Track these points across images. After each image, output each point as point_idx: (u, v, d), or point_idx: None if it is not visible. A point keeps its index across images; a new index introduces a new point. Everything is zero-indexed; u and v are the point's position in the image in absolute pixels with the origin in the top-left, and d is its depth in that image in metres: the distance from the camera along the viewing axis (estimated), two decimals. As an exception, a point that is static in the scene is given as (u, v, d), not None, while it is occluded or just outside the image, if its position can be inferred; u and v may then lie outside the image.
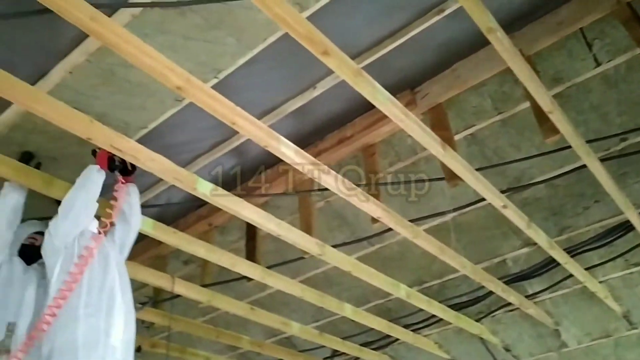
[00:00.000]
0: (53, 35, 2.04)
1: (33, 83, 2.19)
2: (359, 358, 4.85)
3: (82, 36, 2.04)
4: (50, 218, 2.40)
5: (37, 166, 2.63)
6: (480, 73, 2.74)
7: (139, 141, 2.54)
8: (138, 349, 3.95)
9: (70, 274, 2.23)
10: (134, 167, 2.58)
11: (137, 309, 3.49)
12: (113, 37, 1.80)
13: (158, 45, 2.07)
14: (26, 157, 2.62)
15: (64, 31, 2.01)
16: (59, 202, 2.58)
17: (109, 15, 1.94)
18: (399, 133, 3.14)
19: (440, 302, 3.93)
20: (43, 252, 2.38)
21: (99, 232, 2.43)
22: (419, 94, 2.93)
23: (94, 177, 2.40)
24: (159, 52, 1.92)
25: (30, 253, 2.52)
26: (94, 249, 2.33)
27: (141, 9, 1.95)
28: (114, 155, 2.39)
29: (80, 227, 2.37)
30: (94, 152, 2.51)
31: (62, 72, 2.17)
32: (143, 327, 4.04)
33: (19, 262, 2.48)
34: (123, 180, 2.57)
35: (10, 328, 1.78)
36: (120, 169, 2.56)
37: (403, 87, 2.94)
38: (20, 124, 2.39)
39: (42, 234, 2.48)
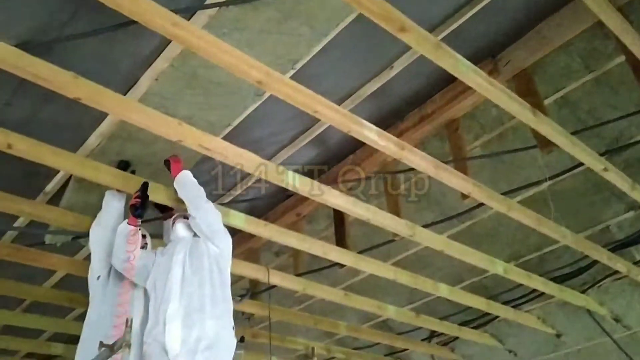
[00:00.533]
0: (138, 46, 2.13)
1: (124, 93, 2.30)
2: (458, 338, 4.78)
3: (164, 43, 2.12)
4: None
5: (133, 173, 2.77)
6: (567, 31, 2.58)
7: (224, 139, 2.63)
8: (241, 340, 4.09)
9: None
10: None
11: (236, 301, 3.63)
12: (195, 40, 1.85)
13: (236, 42, 2.12)
14: (122, 165, 2.77)
15: (148, 40, 2.10)
16: (156, 205, 2.73)
17: (188, 19, 2.00)
18: (482, 105, 3.04)
19: (540, 275, 3.77)
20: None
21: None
22: (501, 62, 2.81)
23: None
24: (237, 49, 1.96)
25: None
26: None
27: (217, 9, 1.98)
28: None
29: None
30: (166, 163, 2.60)
31: (149, 79, 2.27)
32: (244, 318, 4.19)
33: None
34: None
35: (129, 324, 1.90)
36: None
37: (483, 57, 2.83)
38: (116, 134, 2.52)
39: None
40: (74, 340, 4.64)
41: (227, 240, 2.55)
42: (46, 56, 1.93)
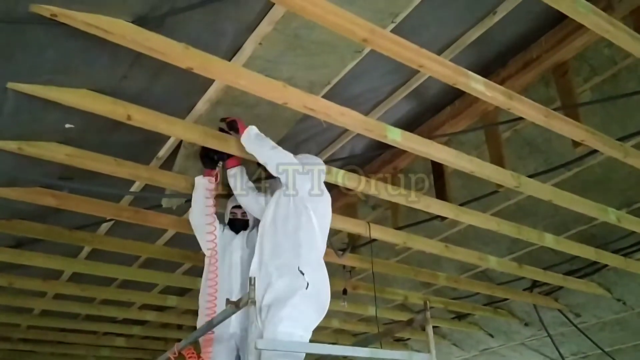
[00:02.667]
0: (243, 12, 2.15)
1: (230, 59, 2.35)
2: (562, 287, 4.66)
3: (268, 7, 2.13)
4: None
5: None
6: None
7: (325, 97, 2.64)
8: (344, 292, 4.22)
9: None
10: None
11: (339, 256, 3.73)
12: (299, 2, 1.85)
13: (337, 0, 2.10)
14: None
15: (252, 5, 2.11)
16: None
17: (291, -19, 1.98)
18: (593, 45, 2.84)
19: (656, 221, 3.56)
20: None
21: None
22: (616, -3, 2.59)
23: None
24: (338, 7, 1.94)
25: (234, 224, 2.93)
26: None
27: (319, -32, 1.95)
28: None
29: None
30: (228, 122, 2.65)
31: (253, 44, 2.29)
32: (345, 271, 4.29)
33: (228, 232, 2.90)
34: None
35: (253, 282, 2.00)
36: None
37: (596, -8, 2.62)
38: (222, 99, 2.59)
39: (239, 207, 2.88)
40: (184, 292, 5.02)
41: (303, 180, 2.58)
42: (159, 30, 2.01)
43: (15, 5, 1.81)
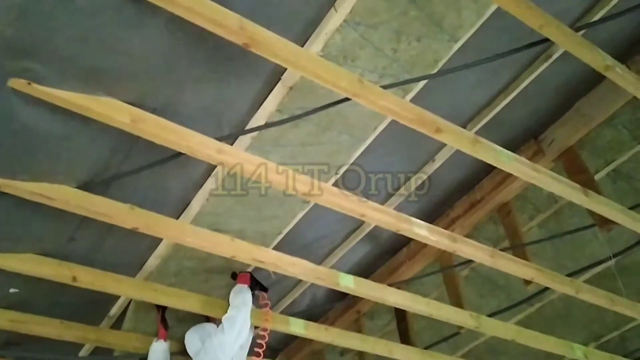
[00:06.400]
0: (188, 172, 2.24)
1: (178, 216, 2.40)
2: None
3: (212, 166, 2.23)
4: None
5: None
6: (608, 107, 2.55)
7: (276, 247, 2.68)
8: None
9: None
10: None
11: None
12: (239, 162, 1.94)
13: (279, 157, 2.21)
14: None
15: (196, 166, 2.21)
16: (207, 318, 2.79)
17: (232, 144, 2.11)
18: (532, 185, 2.98)
19: (624, 356, 3.50)
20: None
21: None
22: (545, 142, 2.78)
23: (247, 296, 2.63)
24: (280, 164, 2.04)
25: None
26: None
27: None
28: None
29: (242, 342, 2.55)
30: (233, 275, 2.77)
31: (201, 200, 2.36)
32: None
33: None
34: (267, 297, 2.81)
35: None
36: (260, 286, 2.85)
37: (526, 138, 2.82)
38: (173, 254, 2.60)
39: None
40: None
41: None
42: (105, 193, 2.07)
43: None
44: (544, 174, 2.17)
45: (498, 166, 2.09)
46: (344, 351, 4.23)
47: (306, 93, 2.02)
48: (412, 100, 2.09)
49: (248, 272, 2.80)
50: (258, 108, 2.06)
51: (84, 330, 2.65)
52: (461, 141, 1.96)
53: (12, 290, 2.42)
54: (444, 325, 3.51)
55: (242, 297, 2.65)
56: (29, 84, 1.61)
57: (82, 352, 3.07)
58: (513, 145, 2.16)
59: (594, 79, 2.50)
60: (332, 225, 3.02)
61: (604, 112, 2.55)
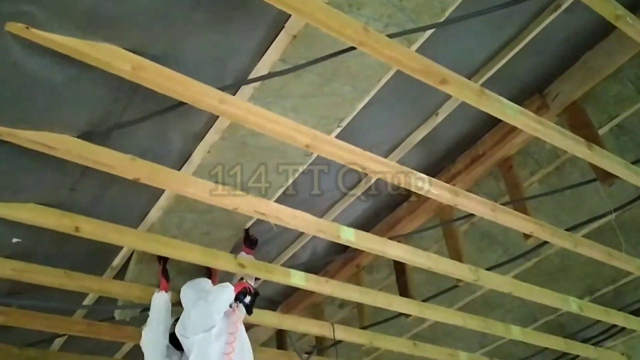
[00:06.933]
0: (189, 123, 2.22)
1: (179, 168, 2.39)
2: (537, 381, 4.54)
3: (214, 118, 2.20)
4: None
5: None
6: (614, 60, 2.51)
7: (278, 200, 2.68)
8: (312, 397, 4.03)
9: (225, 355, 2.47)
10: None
11: (304, 359, 3.60)
12: (241, 113, 1.92)
13: (281, 109, 2.19)
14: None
15: (198, 117, 2.18)
16: (208, 270, 2.90)
17: (234, 94, 2.08)
18: (534, 140, 2.97)
19: (619, 309, 3.57)
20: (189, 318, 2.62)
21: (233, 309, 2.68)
22: (549, 96, 2.75)
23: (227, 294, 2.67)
24: (283, 116, 2.02)
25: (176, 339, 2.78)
26: (238, 326, 2.61)
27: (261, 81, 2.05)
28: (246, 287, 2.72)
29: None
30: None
31: (202, 152, 2.35)
32: (314, 376, 4.12)
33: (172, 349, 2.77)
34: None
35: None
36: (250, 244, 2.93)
37: (530, 92, 2.79)
38: (174, 207, 2.60)
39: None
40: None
41: None
42: (106, 143, 2.05)
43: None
44: (549, 127, 2.15)
45: (503, 119, 2.07)
46: (343, 304, 4.31)
47: (310, 42, 1.98)
48: (417, 51, 2.05)
49: (245, 284, 2.77)
50: (261, 58, 2.02)
51: (87, 280, 2.67)
52: (466, 93, 1.93)
53: (14, 240, 2.42)
54: (442, 280, 3.56)
55: (218, 293, 2.68)
56: (27, 28, 1.57)
57: (86, 302, 3.12)
58: (517, 99, 2.14)
59: (602, 31, 2.46)
60: (333, 180, 3.02)
61: (611, 65, 2.51)
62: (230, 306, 2.66)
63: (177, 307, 2.85)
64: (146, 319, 2.79)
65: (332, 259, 3.80)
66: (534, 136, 2.84)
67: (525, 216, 2.63)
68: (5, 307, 2.82)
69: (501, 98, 2.03)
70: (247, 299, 2.72)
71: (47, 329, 3.07)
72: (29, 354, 3.36)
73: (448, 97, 2.61)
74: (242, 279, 2.81)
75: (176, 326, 2.63)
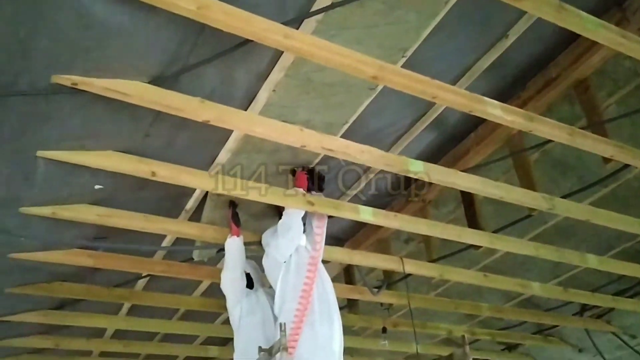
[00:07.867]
0: (254, 62, 2.20)
1: (246, 108, 2.40)
2: (614, 309, 4.46)
3: (277, 55, 2.18)
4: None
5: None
6: None
7: (344, 136, 2.66)
8: (383, 330, 4.14)
9: (303, 291, 2.57)
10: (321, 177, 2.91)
11: (374, 293, 3.67)
12: (306, 47, 1.90)
13: (345, 41, 2.13)
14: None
15: (261, 54, 2.16)
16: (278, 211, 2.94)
17: (297, 28, 2.03)
18: (612, 59, 2.79)
19: (703, 233, 3.40)
20: (265, 264, 2.78)
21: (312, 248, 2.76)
22: (630, 9, 2.55)
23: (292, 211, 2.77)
24: (347, 48, 1.97)
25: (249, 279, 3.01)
26: (317, 262, 2.70)
27: (324, 13, 2.00)
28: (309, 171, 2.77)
29: (296, 244, 2.72)
30: (292, 172, 2.83)
31: (267, 92, 2.34)
32: (383, 309, 4.22)
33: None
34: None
35: (284, 328, 2.01)
36: (318, 182, 2.91)
37: (608, 7, 2.59)
38: (242, 148, 2.64)
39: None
40: (225, 342, 5.01)
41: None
42: (175, 86, 2.08)
43: (37, 77, 1.89)
44: (634, 41, 2.01)
45: (583, 34, 1.95)
46: (409, 239, 4.32)
47: (374, -33, 1.90)
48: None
49: (304, 172, 2.82)
50: (323, -12, 1.96)
51: (165, 223, 2.80)
52: (544, 8, 1.82)
53: (97, 186, 2.54)
54: (511, 211, 3.49)
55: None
56: (93, -27, 1.58)
57: (164, 243, 3.26)
58: (596, 13, 1.99)
59: None
60: (399, 112, 2.96)
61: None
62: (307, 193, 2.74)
63: (250, 246, 2.96)
64: (222, 259, 2.91)
65: (396, 194, 3.77)
66: (611, 54, 2.68)
67: (605, 139, 2.51)
68: (93, 251, 3.00)
69: (581, 12, 1.90)
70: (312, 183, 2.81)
71: (131, 270, 3.26)
72: (116, 293, 3.59)
73: (519, 16, 2.47)
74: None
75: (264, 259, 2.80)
